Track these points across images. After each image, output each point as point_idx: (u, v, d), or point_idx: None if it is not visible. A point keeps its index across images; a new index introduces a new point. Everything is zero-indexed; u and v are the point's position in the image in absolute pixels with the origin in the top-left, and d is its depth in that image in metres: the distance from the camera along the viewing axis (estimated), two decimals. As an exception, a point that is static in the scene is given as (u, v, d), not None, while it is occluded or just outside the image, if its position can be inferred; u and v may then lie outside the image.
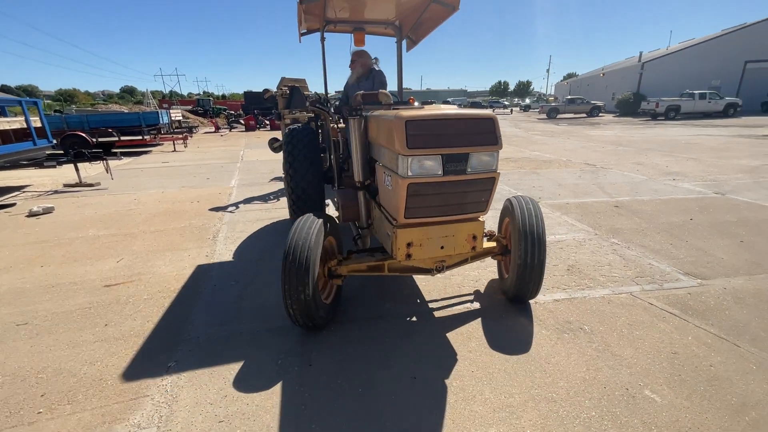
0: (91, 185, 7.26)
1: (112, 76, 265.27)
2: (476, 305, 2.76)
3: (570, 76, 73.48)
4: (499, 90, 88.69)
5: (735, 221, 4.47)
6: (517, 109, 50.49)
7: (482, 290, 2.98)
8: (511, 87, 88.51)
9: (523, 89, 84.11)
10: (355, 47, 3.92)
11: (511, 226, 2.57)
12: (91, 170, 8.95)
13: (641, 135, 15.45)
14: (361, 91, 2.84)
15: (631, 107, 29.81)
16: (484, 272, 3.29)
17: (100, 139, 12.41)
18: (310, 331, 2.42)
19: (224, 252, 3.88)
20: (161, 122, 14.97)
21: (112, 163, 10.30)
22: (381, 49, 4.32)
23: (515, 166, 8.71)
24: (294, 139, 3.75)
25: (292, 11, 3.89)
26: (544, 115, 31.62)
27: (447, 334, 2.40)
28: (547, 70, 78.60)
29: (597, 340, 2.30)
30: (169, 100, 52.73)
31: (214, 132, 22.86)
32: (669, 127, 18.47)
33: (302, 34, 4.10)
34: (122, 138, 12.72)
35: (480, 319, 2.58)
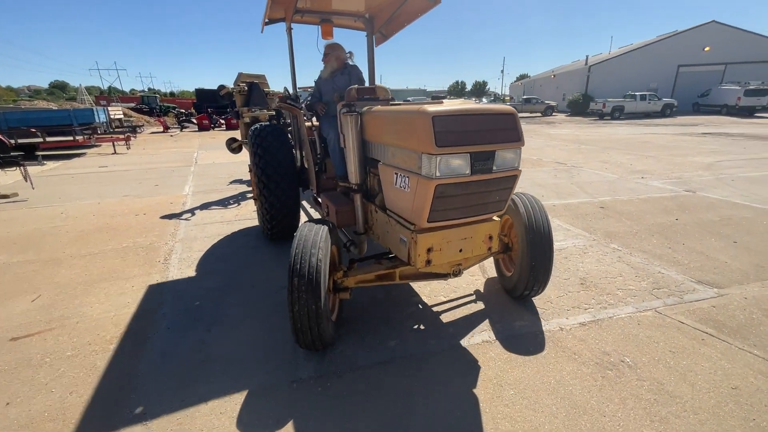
0: (5, 197, 6.02)
1: (39, 70, 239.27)
2: (490, 334, 2.35)
3: (523, 77, 76.93)
4: (457, 89, 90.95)
5: (718, 220, 4.49)
6: (476, 108, 51.80)
7: (491, 309, 2.58)
8: (468, 87, 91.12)
9: (480, 89, 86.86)
10: (327, 40, 3.64)
11: (516, 224, 2.52)
12: (5, 178, 7.54)
13: (596, 133, 16.18)
14: (355, 86, 2.57)
15: (580, 107, 31.56)
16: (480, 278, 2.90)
17: (20, 141, 10.65)
18: (313, 352, 2.16)
19: (179, 280, 3.17)
20: (97, 121, 13.28)
21: (34, 169, 8.83)
22: (349, 43, 3.87)
23: (490, 166, 8.54)
24: (264, 141, 3.45)
25: (248, 2, 3.58)
26: (502, 115, 32.62)
27: (474, 390, 1.95)
28: (502, 71, 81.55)
29: (646, 377, 1.98)
30: (107, 96, 48.09)
31: (163, 132, 20.93)
32: (617, 126, 19.61)
33: (266, 24, 3.74)
34: (48, 139, 11.01)
35: (505, 352, 2.17)
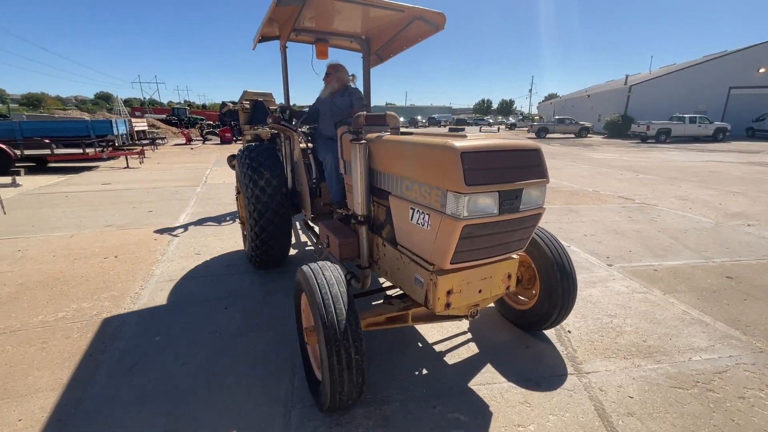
0: (-27, 222, 5.14)
1: (87, 82, 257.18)
2: None
3: (551, 96, 75.07)
4: (483, 108, 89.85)
5: None
6: (503, 126, 50.31)
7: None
8: (495, 105, 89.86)
9: (506, 108, 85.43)
10: (323, 60, 3.54)
11: (536, 257, 2.41)
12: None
13: (646, 159, 14.46)
14: (363, 112, 2.28)
15: (619, 129, 29.57)
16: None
17: (28, 152, 10.15)
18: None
19: (113, 403, 1.99)
20: (115, 133, 12.78)
21: (30, 183, 8.12)
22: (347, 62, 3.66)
23: (540, 200, 7.14)
24: (254, 162, 3.20)
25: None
26: (533, 134, 31.06)
27: None
28: (530, 90, 79.84)
29: None
30: (142, 108, 49.82)
31: (185, 144, 20.67)
32: (666, 151, 17.74)
33: (258, 41, 3.56)
34: (57, 152, 10.46)
35: None
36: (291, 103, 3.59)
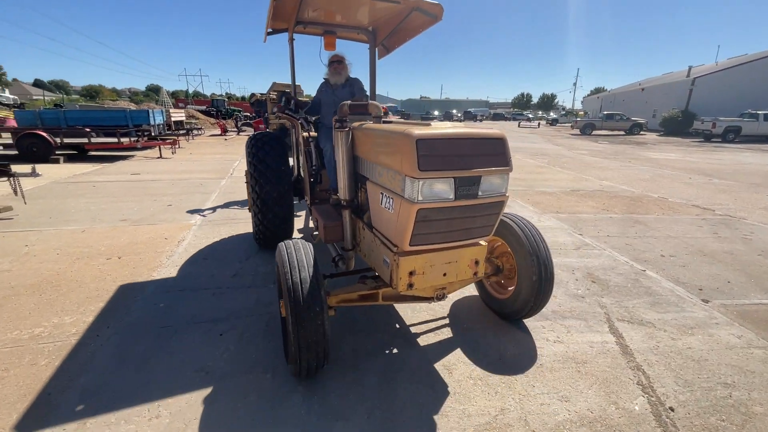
0: (-5, 211, 5.04)
1: (140, 75, 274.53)
2: None
3: (598, 90, 70.31)
4: (522, 102, 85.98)
5: None
6: (544, 122, 47.58)
7: None
8: (535, 99, 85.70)
9: (548, 102, 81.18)
10: (330, 51, 3.59)
11: (515, 246, 2.44)
12: (6, 186, 6.75)
13: (716, 161, 12.72)
14: (348, 101, 2.33)
15: (678, 126, 26.85)
16: None
17: (67, 140, 10.39)
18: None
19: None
20: (152, 123, 12.94)
21: (61, 171, 8.19)
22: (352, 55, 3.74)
23: (598, 206, 6.17)
24: (260, 150, 3.40)
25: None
26: (576, 131, 28.93)
27: None
28: (574, 84, 74.86)
29: None
30: (185, 99, 51.85)
31: (220, 135, 20.95)
32: (737, 152, 15.67)
33: (268, 34, 3.68)
34: (93, 140, 10.65)
35: None
36: (305, 94, 4.02)
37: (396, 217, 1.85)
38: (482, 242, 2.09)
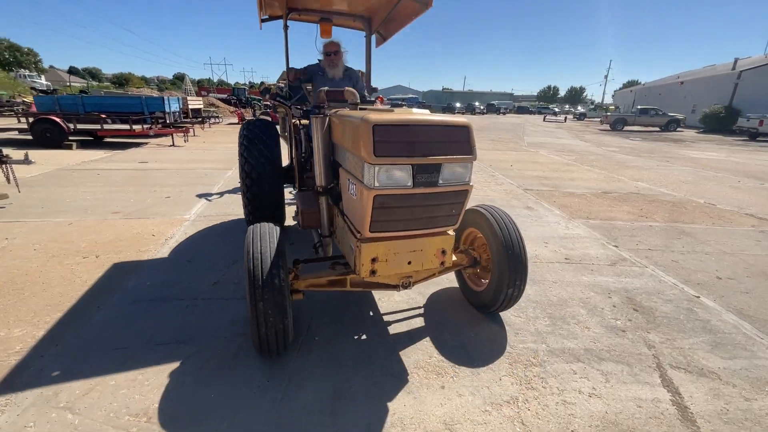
0: (-11, 199, 4.86)
1: (168, 63, 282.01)
2: None
3: (631, 83, 66.75)
4: (548, 95, 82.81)
5: None
6: (571, 117, 45.49)
7: None
8: (561, 93, 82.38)
9: (575, 95, 77.85)
10: (326, 38, 3.51)
11: (490, 237, 2.41)
12: (30, 170, 6.62)
13: (766, 162, 11.52)
14: (325, 87, 2.45)
15: (720, 123, 24.97)
16: None
17: (80, 126, 10.34)
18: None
19: None
20: (167, 110, 12.82)
21: (71, 158, 8.07)
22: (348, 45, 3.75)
23: (634, 212, 5.47)
24: (250, 134, 3.42)
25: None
26: (606, 126, 27.34)
27: None
28: (605, 77, 71.12)
29: None
30: (207, 87, 52.43)
31: (237, 123, 20.86)
32: (792, 153, 14.21)
33: (263, 20, 3.72)
34: (105, 127, 10.57)
35: None
36: (290, 82, 3.71)
37: (359, 204, 1.86)
38: (450, 232, 2.08)
